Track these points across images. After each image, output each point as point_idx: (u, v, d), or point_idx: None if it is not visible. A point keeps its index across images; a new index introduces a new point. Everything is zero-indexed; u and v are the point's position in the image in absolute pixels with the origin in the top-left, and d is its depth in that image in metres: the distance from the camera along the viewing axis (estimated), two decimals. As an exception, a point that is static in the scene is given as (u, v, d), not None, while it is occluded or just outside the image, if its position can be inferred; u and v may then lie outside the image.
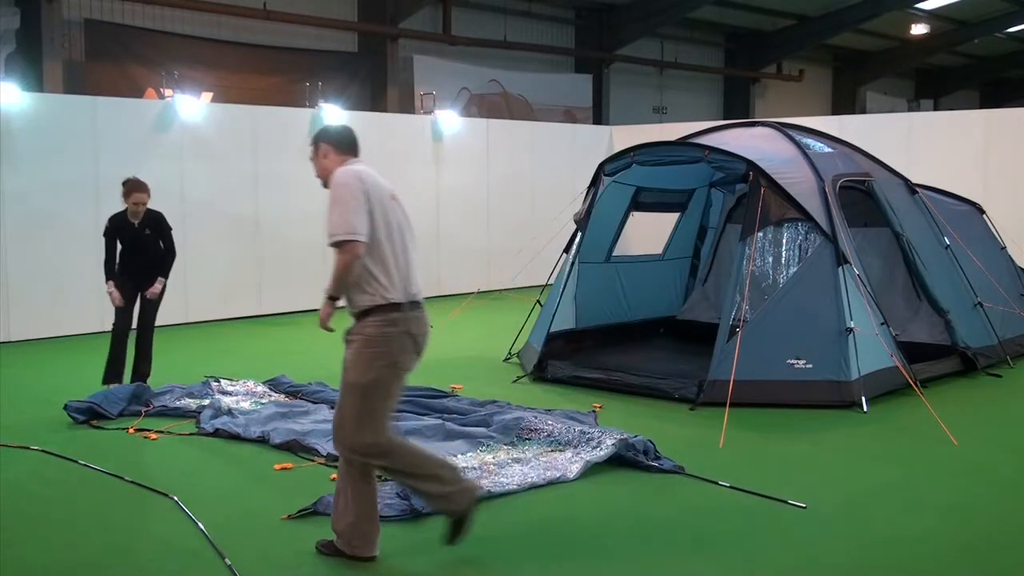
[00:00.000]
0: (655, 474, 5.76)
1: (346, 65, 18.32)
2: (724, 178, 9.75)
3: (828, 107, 29.56)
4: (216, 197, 11.93)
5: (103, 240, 7.93)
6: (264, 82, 16.87)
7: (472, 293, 11.88)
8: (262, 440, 6.45)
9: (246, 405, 7.22)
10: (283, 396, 7.70)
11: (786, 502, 5.26)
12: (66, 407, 7.09)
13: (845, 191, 8.28)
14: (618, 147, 13.63)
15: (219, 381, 7.88)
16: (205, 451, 6.39)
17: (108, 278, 7.89)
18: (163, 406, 7.30)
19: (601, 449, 5.90)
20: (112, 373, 7.95)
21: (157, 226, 7.96)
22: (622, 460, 5.85)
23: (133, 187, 7.83)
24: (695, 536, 4.88)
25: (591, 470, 5.75)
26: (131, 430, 6.77)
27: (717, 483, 5.59)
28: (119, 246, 7.92)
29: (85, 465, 5.97)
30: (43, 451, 6.33)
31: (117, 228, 7.90)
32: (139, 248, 7.93)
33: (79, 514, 5.19)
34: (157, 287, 7.90)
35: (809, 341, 7.47)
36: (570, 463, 5.80)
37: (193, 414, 7.11)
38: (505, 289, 12.02)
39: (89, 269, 10.81)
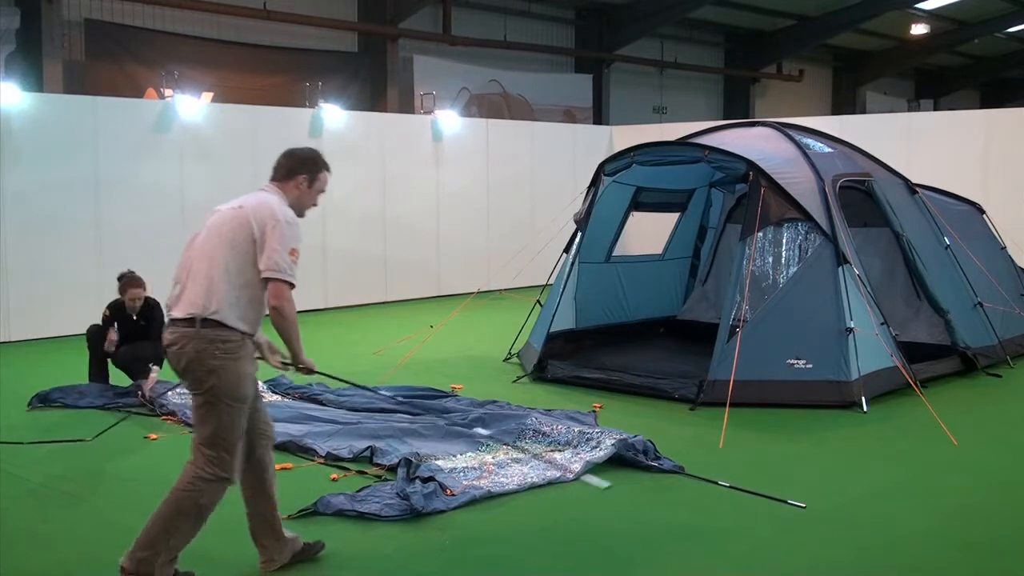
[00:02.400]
0: (655, 474, 5.76)
1: (346, 65, 18.32)
2: (724, 178, 9.75)
3: (828, 107, 29.56)
4: (216, 197, 11.71)
5: (100, 326, 7.88)
6: (264, 82, 16.87)
7: (472, 293, 11.87)
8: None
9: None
10: (279, 396, 7.69)
11: (786, 502, 5.26)
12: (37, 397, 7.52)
13: (845, 191, 8.28)
14: (618, 147, 13.62)
15: None
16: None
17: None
18: (163, 404, 7.29)
19: (601, 449, 5.90)
20: (95, 372, 8.00)
21: (150, 314, 7.84)
22: (622, 460, 5.85)
23: (129, 283, 7.77)
24: (695, 536, 4.88)
25: (591, 470, 5.75)
26: (152, 436, 6.79)
27: (717, 483, 5.59)
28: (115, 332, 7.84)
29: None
30: (41, 446, 6.33)
31: (114, 318, 7.86)
32: (132, 337, 7.87)
33: (79, 514, 5.19)
34: (153, 377, 7.57)
35: (809, 341, 7.46)
36: (570, 463, 5.80)
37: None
38: (505, 289, 12.01)
39: (89, 269, 10.84)
